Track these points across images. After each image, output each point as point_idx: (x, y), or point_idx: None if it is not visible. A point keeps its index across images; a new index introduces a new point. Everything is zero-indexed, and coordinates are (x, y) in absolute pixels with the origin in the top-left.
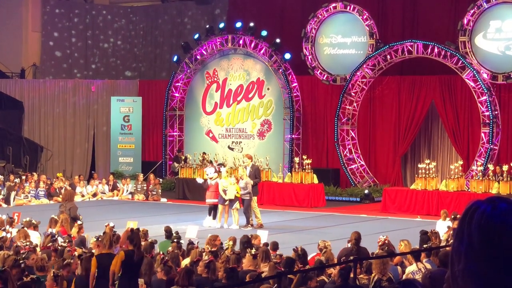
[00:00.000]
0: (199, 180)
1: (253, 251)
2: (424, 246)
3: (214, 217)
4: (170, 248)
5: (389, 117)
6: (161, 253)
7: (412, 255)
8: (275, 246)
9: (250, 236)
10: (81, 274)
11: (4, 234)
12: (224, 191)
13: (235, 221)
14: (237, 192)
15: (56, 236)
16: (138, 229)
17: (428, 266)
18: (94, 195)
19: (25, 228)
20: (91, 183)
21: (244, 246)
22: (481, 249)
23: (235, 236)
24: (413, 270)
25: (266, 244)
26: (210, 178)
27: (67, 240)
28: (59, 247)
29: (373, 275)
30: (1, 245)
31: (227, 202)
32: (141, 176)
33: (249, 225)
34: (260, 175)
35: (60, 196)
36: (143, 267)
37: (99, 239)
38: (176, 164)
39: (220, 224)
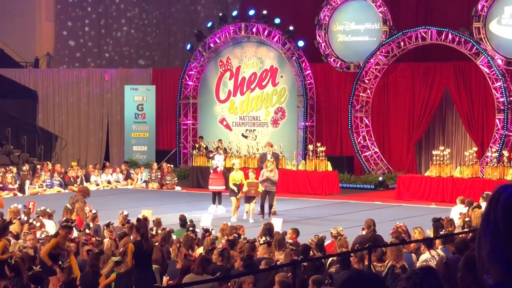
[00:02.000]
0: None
1: (262, 240)
2: (441, 233)
3: (220, 203)
4: (184, 236)
5: (403, 104)
6: (179, 239)
7: (424, 243)
8: (297, 232)
9: (271, 224)
10: (87, 271)
11: (34, 223)
12: (239, 185)
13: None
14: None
15: (73, 225)
16: (146, 218)
17: (442, 253)
18: (108, 183)
19: (40, 217)
20: (105, 172)
21: (265, 233)
22: (506, 232)
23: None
24: (427, 257)
25: (284, 233)
26: (222, 165)
27: (85, 229)
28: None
29: (387, 261)
30: (18, 234)
31: (239, 195)
32: (155, 165)
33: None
34: (278, 162)
35: (75, 185)
36: (156, 255)
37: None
38: (195, 151)
39: (235, 218)
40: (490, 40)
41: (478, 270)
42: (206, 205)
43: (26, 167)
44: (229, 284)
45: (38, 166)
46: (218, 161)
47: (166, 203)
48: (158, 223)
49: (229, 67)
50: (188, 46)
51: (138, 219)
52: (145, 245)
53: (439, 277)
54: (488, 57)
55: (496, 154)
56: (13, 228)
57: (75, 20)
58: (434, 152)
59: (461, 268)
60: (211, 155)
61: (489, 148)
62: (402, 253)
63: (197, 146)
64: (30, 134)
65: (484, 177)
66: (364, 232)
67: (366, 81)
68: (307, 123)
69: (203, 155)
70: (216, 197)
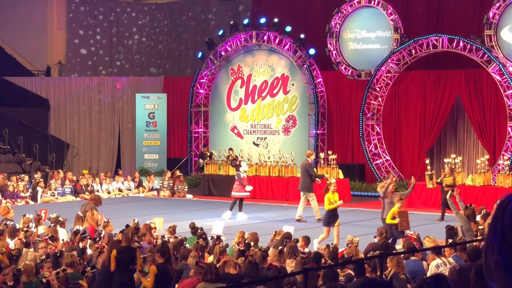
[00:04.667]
0: (249, 189)
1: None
2: (450, 241)
3: (241, 209)
4: (195, 243)
5: (414, 112)
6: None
7: (433, 251)
8: (307, 240)
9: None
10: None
11: (33, 229)
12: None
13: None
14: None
15: (86, 234)
16: (168, 241)
17: (453, 261)
18: (119, 191)
19: (57, 226)
20: (116, 179)
21: (283, 242)
22: None
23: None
24: (438, 263)
25: (295, 241)
26: (244, 171)
27: (96, 238)
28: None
29: (389, 269)
30: (28, 242)
31: (337, 223)
32: (168, 173)
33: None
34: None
35: (86, 193)
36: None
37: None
38: (201, 161)
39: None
40: (502, 47)
41: (485, 277)
42: (218, 212)
43: (39, 175)
44: None
45: (50, 174)
46: (244, 167)
47: (177, 211)
48: (173, 230)
49: (240, 75)
50: (199, 54)
51: (163, 243)
52: (168, 268)
53: (450, 285)
54: (500, 65)
55: (508, 162)
56: (22, 235)
57: (87, 28)
58: (445, 160)
59: (473, 276)
60: (237, 163)
61: (501, 156)
62: (403, 263)
63: (208, 154)
64: (42, 142)
65: (496, 185)
66: (376, 240)
67: (377, 89)
68: (318, 131)
69: (214, 163)
70: (238, 204)
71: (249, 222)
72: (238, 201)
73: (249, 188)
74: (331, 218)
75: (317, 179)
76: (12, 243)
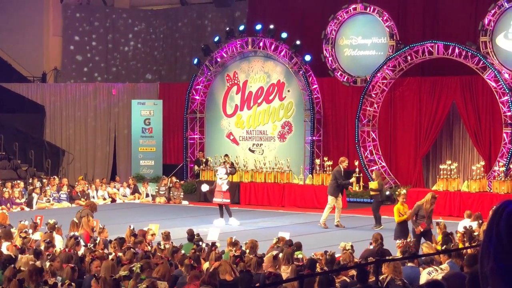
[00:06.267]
0: (204, 188)
1: (274, 252)
2: (445, 247)
3: (230, 215)
4: (192, 251)
5: (410, 118)
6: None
7: (424, 262)
8: (298, 247)
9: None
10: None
11: (31, 236)
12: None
13: None
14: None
15: (79, 239)
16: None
17: (445, 266)
18: (109, 196)
19: (54, 232)
20: (110, 185)
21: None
22: (510, 247)
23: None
24: (429, 270)
25: (293, 249)
26: (220, 178)
27: (91, 245)
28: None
29: (385, 275)
30: (24, 248)
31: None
32: (165, 180)
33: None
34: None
35: (82, 199)
36: (164, 272)
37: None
38: (196, 167)
39: None
40: (497, 54)
41: (480, 283)
42: (214, 219)
43: (36, 182)
44: None
45: (45, 181)
46: (220, 174)
47: (173, 217)
48: (167, 236)
49: (236, 81)
50: (195, 61)
51: None
52: None
53: None
54: (495, 71)
55: (504, 168)
56: (18, 242)
57: (82, 34)
58: (441, 166)
59: (467, 283)
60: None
61: (497, 163)
62: (399, 269)
63: (203, 160)
64: (38, 149)
65: (491, 191)
66: (371, 247)
67: (373, 95)
68: (314, 137)
69: (210, 169)
70: (226, 210)
71: (245, 229)
72: (224, 207)
73: (204, 188)
74: (403, 229)
75: (347, 185)
76: (4, 248)
